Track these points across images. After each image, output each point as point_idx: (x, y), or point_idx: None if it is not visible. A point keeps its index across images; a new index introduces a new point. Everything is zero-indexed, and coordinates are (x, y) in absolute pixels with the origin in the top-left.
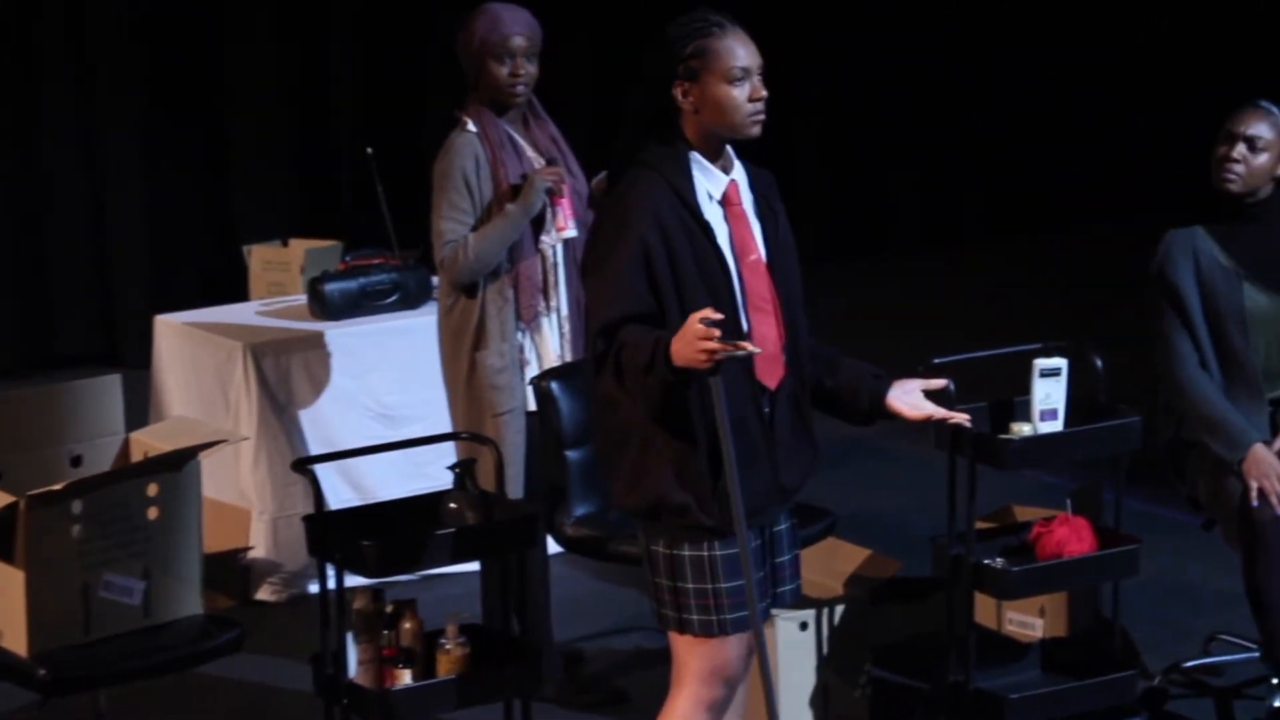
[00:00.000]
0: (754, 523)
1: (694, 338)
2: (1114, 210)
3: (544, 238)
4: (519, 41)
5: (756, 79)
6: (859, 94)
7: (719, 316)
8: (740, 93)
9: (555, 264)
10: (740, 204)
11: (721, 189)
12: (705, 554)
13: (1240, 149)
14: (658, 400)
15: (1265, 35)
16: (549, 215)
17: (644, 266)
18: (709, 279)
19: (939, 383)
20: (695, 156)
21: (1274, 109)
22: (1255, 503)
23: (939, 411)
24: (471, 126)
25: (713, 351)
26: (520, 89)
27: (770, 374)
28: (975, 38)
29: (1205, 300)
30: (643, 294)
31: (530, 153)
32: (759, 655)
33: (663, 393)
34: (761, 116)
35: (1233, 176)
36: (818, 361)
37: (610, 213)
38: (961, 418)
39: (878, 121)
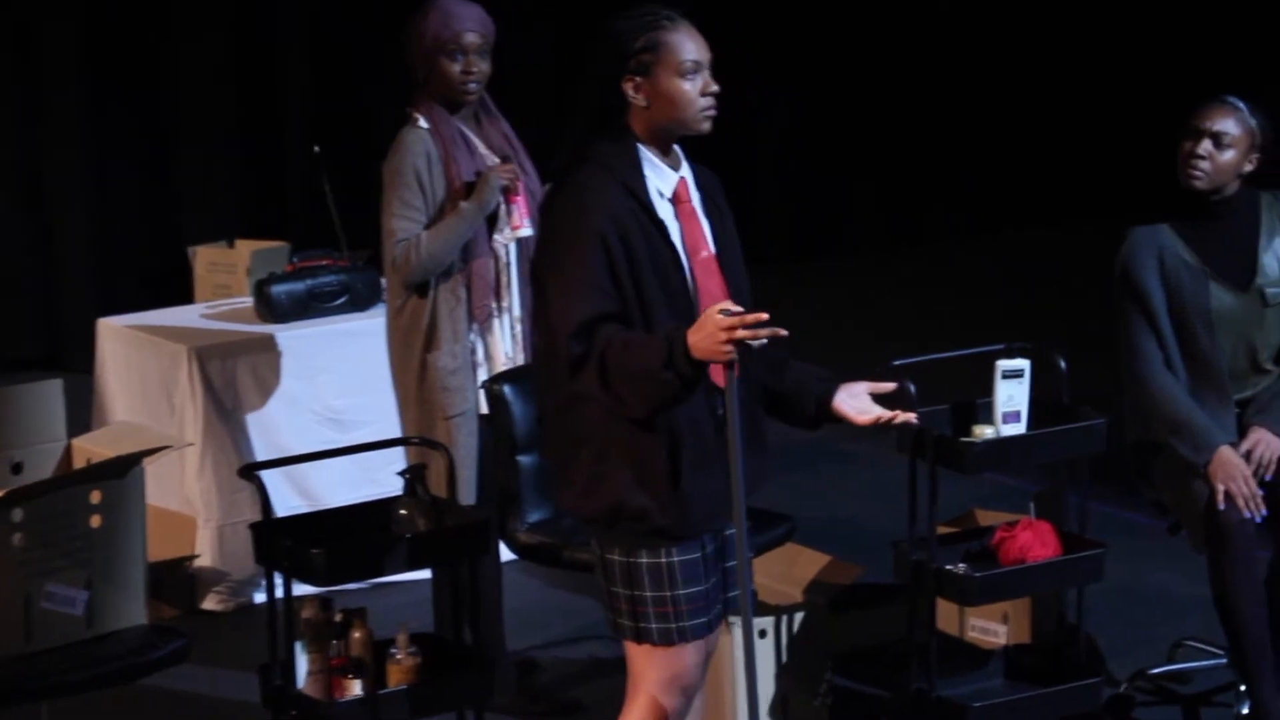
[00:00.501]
0: (709, 527)
1: (715, 329)
2: (1076, 208)
3: (497, 236)
4: (472, 38)
5: (708, 73)
6: (820, 94)
7: (738, 309)
8: (693, 87)
9: (508, 263)
10: (690, 201)
11: (672, 186)
12: (663, 560)
13: (1206, 145)
14: (659, 401)
15: (1228, 27)
16: (503, 213)
17: (607, 264)
18: (664, 276)
19: (887, 386)
20: (645, 153)
21: (1240, 104)
22: (1222, 505)
23: (885, 414)
24: (423, 123)
25: (736, 341)
26: (473, 86)
27: (723, 374)
28: (935, 36)
29: (1171, 299)
30: (611, 292)
31: (483, 149)
32: (746, 655)
33: (676, 391)
34: (713, 111)
35: (1198, 174)
36: (765, 363)
37: (563, 212)
38: (907, 417)
39: (839, 121)
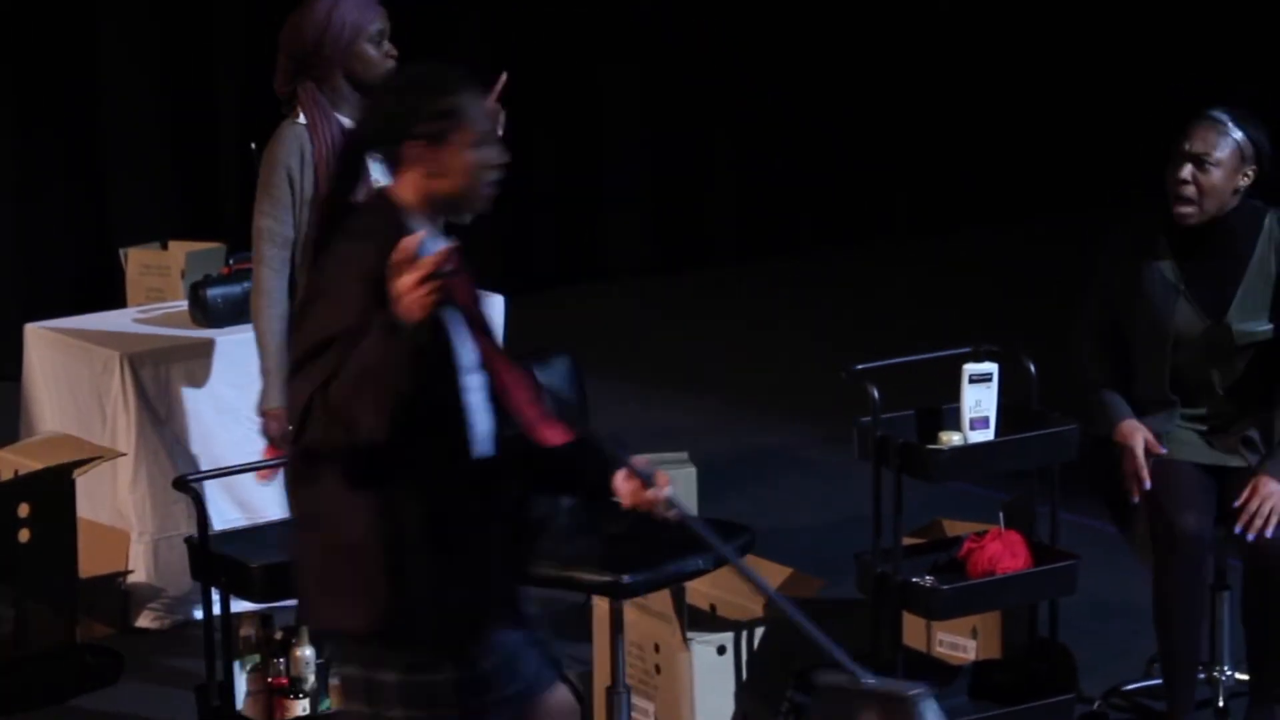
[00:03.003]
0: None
1: (400, 268)
2: (1045, 207)
3: None
4: (387, 23)
5: (499, 145)
6: (777, 93)
7: (420, 233)
8: (485, 158)
9: None
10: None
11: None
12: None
13: (1187, 170)
14: (386, 393)
15: (1200, 24)
16: None
17: None
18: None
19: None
20: (414, 219)
21: (1223, 117)
22: (1138, 479)
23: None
24: (302, 118)
25: (425, 277)
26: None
27: (554, 432)
28: (896, 33)
29: (1139, 306)
30: None
31: None
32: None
33: (412, 362)
34: (495, 189)
35: (1188, 210)
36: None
37: (327, 291)
38: (661, 497)
39: (796, 120)
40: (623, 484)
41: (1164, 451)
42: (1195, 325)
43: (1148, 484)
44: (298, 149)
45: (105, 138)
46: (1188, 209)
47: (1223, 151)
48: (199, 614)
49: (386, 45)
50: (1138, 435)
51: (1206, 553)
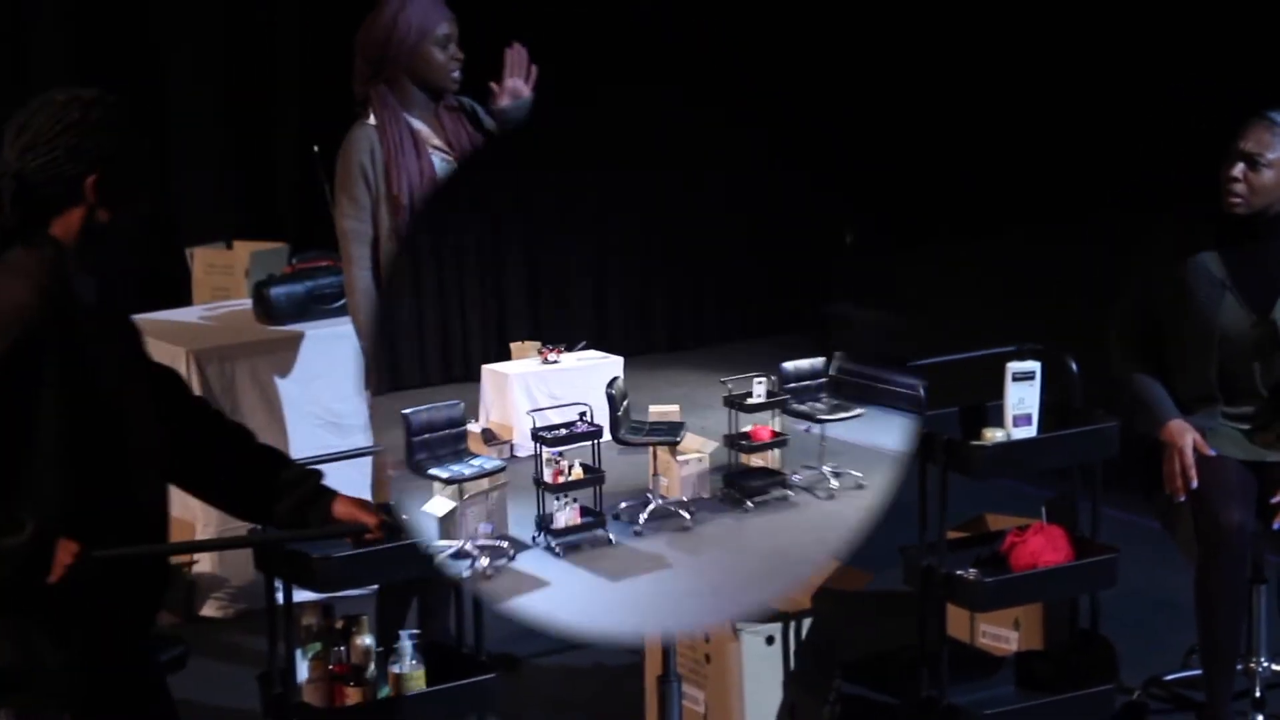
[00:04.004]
0: None
1: None
2: (1090, 207)
3: None
4: (454, 27)
5: None
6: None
7: None
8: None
9: None
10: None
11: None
12: None
13: (1239, 168)
14: None
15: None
16: None
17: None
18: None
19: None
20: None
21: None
22: (1185, 479)
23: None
24: (371, 120)
25: None
26: (458, 74)
27: None
28: (939, 35)
29: (1185, 303)
30: None
31: (436, 142)
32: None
33: None
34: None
35: (1236, 200)
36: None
37: None
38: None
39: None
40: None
41: (1213, 453)
42: (1241, 321)
43: (1195, 483)
44: (368, 149)
45: (172, 141)
46: (1237, 204)
47: (1276, 152)
48: (262, 603)
49: (453, 49)
50: (1187, 435)
51: (1249, 547)
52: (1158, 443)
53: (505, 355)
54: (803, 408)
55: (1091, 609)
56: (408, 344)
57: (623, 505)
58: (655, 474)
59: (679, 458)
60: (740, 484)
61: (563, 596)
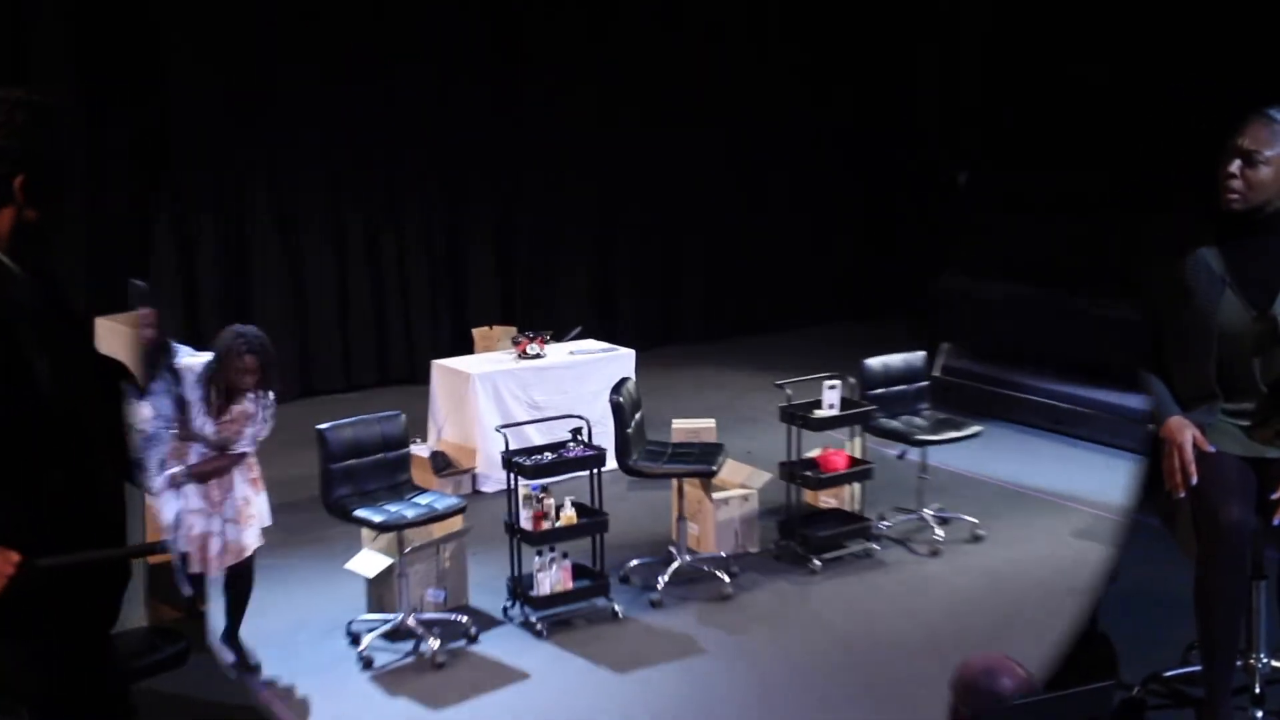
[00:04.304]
0: None
1: None
2: (1087, 207)
3: None
4: None
5: None
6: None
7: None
8: None
9: None
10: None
11: (36, 297)
12: None
13: (1237, 164)
14: None
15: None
16: None
17: None
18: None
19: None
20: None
21: (1278, 116)
22: (1185, 475)
23: None
24: None
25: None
26: None
27: None
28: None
29: (1186, 300)
30: None
31: None
32: None
33: None
34: None
35: (1234, 196)
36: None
37: None
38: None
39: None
40: None
41: (1212, 450)
42: (1241, 317)
43: (1194, 480)
44: None
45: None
46: (1234, 200)
47: (1273, 149)
48: None
49: None
50: (1186, 432)
51: (1248, 543)
52: (1158, 440)
53: (467, 347)
54: (895, 424)
55: (1092, 606)
56: (323, 332)
57: (634, 563)
58: (680, 518)
59: (715, 495)
60: (804, 534)
61: (546, 695)
